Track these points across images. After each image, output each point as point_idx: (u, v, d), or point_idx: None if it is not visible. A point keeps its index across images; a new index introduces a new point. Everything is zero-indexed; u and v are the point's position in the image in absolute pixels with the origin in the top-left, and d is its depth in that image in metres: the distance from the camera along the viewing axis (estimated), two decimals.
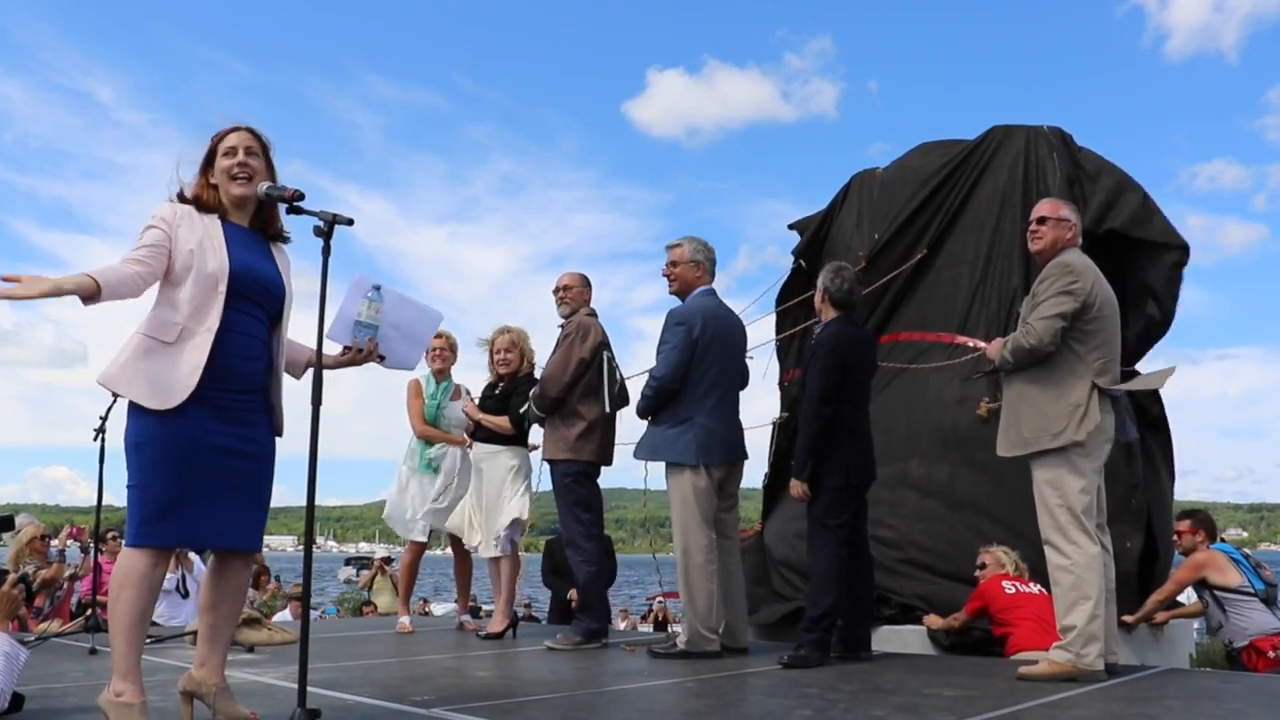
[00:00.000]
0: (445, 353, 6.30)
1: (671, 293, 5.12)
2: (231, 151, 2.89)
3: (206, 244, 2.80)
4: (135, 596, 2.68)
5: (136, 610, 2.69)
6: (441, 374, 6.31)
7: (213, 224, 2.86)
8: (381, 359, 3.18)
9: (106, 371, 2.74)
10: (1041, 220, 4.30)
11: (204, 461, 2.71)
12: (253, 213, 2.98)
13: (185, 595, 7.64)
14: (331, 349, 3.09)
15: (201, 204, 2.89)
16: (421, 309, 3.36)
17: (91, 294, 2.53)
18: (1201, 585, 5.57)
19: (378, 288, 3.14)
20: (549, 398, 5.37)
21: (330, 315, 2.99)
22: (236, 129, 2.93)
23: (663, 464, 4.95)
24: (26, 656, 3.28)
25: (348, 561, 57.49)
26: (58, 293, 2.47)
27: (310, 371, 2.88)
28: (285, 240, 3.09)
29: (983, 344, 5.58)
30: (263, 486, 2.88)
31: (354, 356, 3.13)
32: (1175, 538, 5.82)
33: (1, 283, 2.43)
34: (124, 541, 2.77)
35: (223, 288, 2.76)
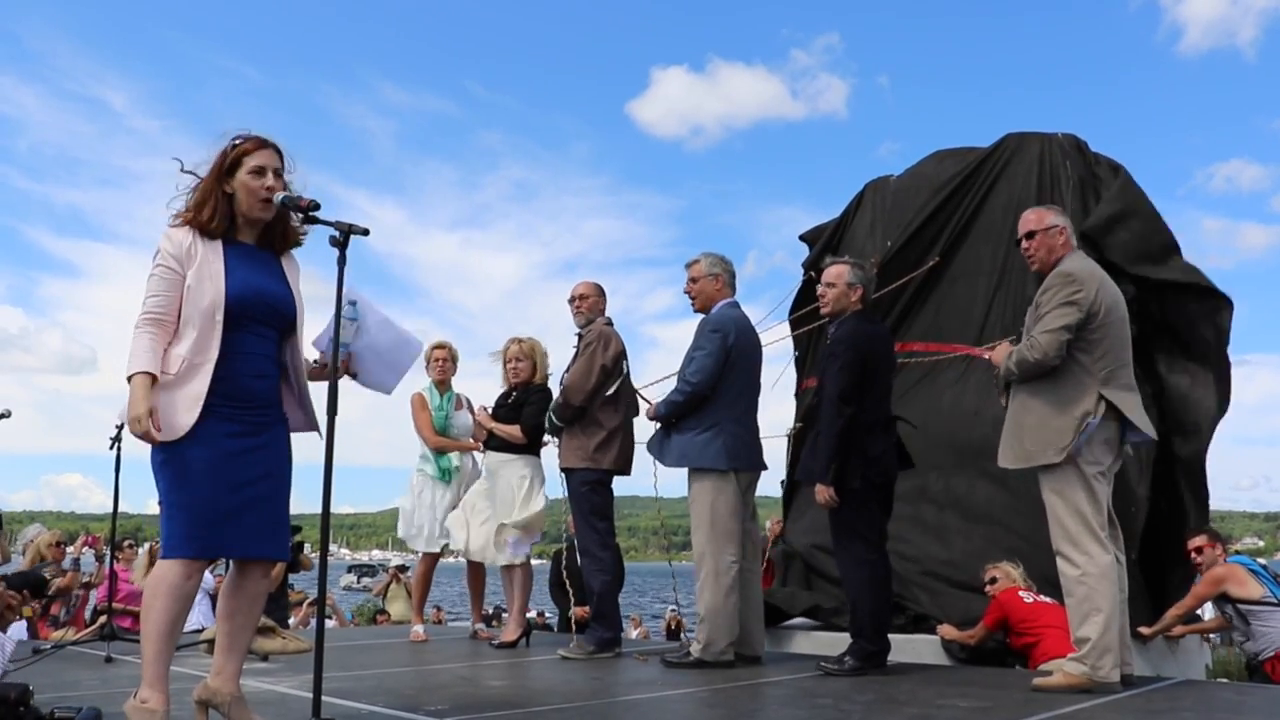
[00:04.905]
0: (446, 363, 6.31)
1: (695, 309, 5.12)
2: (260, 171, 2.85)
3: (204, 273, 2.78)
4: (167, 606, 2.73)
5: (168, 620, 2.73)
6: (443, 385, 6.32)
7: (213, 250, 2.82)
8: (354, 376, 3.21)
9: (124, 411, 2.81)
10: (1030, 235, 4.21)
11: (227, 475, 2.75)
12: (263, 228, 2.94)
13: None
14: (312, 355, 3.17)
15: (206, 228, 2.83)
16: (403, 338, 3.36)
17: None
18: (1223, 599, 5.49)
19: (353, 303, 3.13)
20: (572, 406, 5.35)
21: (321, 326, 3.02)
22: (264, 146, 2.89)
23: (679, 474, 4.94)
24: (14, 646, 3.31)
25: (350, 568, 57.47)
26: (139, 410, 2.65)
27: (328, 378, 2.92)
28: (298, 244, 3.03)
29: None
30: (283, 497, 2.91)
31: (323, 371, 3.17)
32: (1195, 554, 5.73)
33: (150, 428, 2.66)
34: (159, 554, 2.82)
35: (219, 316, 2.76)
